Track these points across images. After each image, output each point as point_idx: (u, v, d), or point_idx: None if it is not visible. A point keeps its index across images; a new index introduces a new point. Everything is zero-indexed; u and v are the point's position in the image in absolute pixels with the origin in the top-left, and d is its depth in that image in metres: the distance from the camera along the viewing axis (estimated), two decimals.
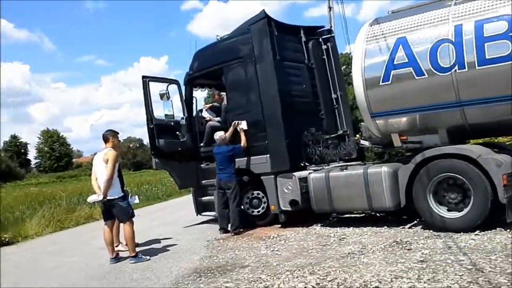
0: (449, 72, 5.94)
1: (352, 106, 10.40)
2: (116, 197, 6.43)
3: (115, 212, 6.49)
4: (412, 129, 6.56)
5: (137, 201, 7.51)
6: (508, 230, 5.50)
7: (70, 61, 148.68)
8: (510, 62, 5.53)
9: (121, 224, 6.77)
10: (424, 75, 6.13)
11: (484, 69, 5.72)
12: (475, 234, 5.53)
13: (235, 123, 7.94)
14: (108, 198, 6.34)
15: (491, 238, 5.28)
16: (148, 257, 6.49)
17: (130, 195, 7.27)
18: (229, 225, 7.69)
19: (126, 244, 6.64)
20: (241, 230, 7.57)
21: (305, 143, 7.81)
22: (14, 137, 71.27)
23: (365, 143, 7.57)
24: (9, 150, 67.36)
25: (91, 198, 6.71)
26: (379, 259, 4.97)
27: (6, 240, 9.63)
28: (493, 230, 5.59)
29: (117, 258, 6.57)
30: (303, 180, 7.24)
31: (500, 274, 3.99)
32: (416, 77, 6.19)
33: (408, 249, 5.24)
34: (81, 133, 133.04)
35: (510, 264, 4.23)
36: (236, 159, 7.85)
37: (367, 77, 6.59)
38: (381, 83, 6.47)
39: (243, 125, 7.85)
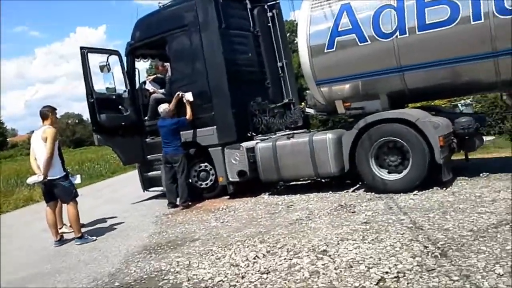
0: (391, 38, 6.08)
1: (297, 75, 10.46)
2: (58, 176, 6.13)
3: (57, 192, 6.21)
4: (355, 96, 6.71)
5: (78, 180, 7.19)
6: (444, 188, 5.84)
7: (2, 33, 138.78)
8: (449, 26, 5.73)
9: (64, 205, 6.50)
10: (367, 41, 6.24)
11: (424, 34, 5.91)
12: (414, 194, 5.82)
13: (178, 94, 7.75)
14: (49, 178, 6.03)
15: (429, 197, 5.57)
16: (94, 238, 6.31)
17: (71, 174, 6.96)
18: (178, 199, 7.61)
19: (71, 226, 6.40)
20: (190, 203, 7.52)
21: (252, 113, 7.79)
22: None
23: (310, 111, 7.67)
24: None
25: (30, 179, 6.37)
26: (326, 223, 5.13)
27: None
28: (430, 189, 5.90)
29: (61, 241, 6.34)
30: (251, 150, 7.26)
31: (438, 230, 4.23)
32: (360, 44, 6.29)
33: (352, 212, 5.44)
34: (15, 110, 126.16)
35: (446, 221, 4.49)
36: (182, 132, 7.71)
37: (312, 44, 6.62)
38: (326, 50, 6.52)
39: (189, 96, 7.67)
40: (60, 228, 6.78)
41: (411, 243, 3.97)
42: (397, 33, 6.05)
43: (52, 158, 6.03)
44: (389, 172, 6.27)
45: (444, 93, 7.11)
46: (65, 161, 7.39)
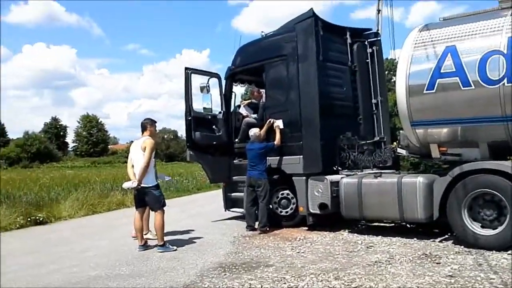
0: (497, 85, 5.72)
1: (391, 113, 10.20)
2: (151, 185, 6.56)
3: (148, 200, 6.62)
4: (452, 141, 6.37)
5: (168, 178, 7.57)
6: None
7: (115, 48, 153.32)
8: None
9: (152, 213, 6.89)
10: (471, 86, 5.93)
11: None
12: (508, 254, 5.34)
13: (270, 121, 7.95)
14: (142, 185, 6.47)
15: None
16: (175, 248, 6.58)
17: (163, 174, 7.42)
18: (257, 223, 7.70)
19: (156, 234, 6.76)
20: (268, 229, 7.57)
21: (340, 147, 7.73)
22: (54, 119, 73.93)
23: (402, 151, 7.40)
24: (49, 132, 69.83)
25: (126, 184, 6.84)
26: (407, 270, 4.88)
27: (40, 219, 9.98)
28: None
29: (145, 246, 6.70)
30: (335, 184, 7.17)
31: None
32: (462, 88, 5.99)
33: (437, 263, 5.12)
34: (119, 120, 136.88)
35: None
36: (269, 157, 7.85)
37: (411, 84, 6.44)
38: (425, 91, 6.30)
39: (279, 123, 7.84)
40: (145, 234, 7.18)
41: None
42: (505, 80, 5.68)
43: (148, 167, 6.47)
44: (482, 227, 5.81)
45: None
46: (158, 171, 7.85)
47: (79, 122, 74.97)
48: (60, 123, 74.14)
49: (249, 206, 7.84)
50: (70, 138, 75.24)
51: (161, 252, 6.42)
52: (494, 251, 5.46)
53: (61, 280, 5.25)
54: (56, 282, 5.14)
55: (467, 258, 5.30)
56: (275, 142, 7.77)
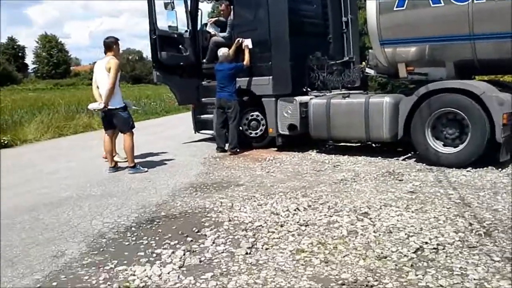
0: (466, 2, 5.69)
1: (361, 32, 10.08)
2: (118, 107, 6.43)
3: (116, 122, 6.51)
4: (419, 60, 6.42)
5: (134, 106, 7.46)
6: (500, 169, 5.61)
7: None
8: None
9: (120, 135, 6.82)
10: (440, 3, 5.89)
11: (503, 1, 5.47)
12: (467, 171, 5.63)
13: (238, 40, 7.72)
14: (109, 107, 6.32)
15: (482, 176, 5.39)
16: (146, 169, 6.62)
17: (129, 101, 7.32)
18: (227, 144, 7.77)
19: (125, 156, 6.74)
20: (238, 150, 7.67)
21: (310, 68, 7.67)
22: (11, 40, 69.58)
23: (370, 71, 7.45)
24: (6, 53, 66.03)
25: (92, 106, 6.68)
26: (371, 187, 5.10)
27: (5, 142, 9.77)
28: (485, 168, 5.69)
29: (115, 168, 6.70)
30: (304, 105, 7.22)
31: (486, 209, 4.12)
32: (432, 5, 5.95)
33: (399, 180, 5.37)
34: (80, 40, 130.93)
35: (496, 201, 4.35)
36: (238, 79, 7.74)
37: (381, 0, 6.32)
38: (395, 9, 6.23)
39: (248, 42, 7.62)
40: (114, 156, 7.15)
41: (456, 218, 3.90)
42: None
43: (114, 88, 6.29)
44: (444, 145, 6.05)
45: None
46: (123, 95, 7.66)
47: (37, 42, 70.88)
48: (17, 44, 70.01)
49: (219, 128, 7.84)
50: (29, 60, 71.62)
51: (132, 173, 6.45)
52: (454, 169, 5.73)
53: (32, 201, 5.25)
54: (26, 204, 5.13)
55: (428, 175, 5.56)
56: (244, 63, 7.61)
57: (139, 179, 6.11)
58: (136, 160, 6.75)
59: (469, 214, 4.02)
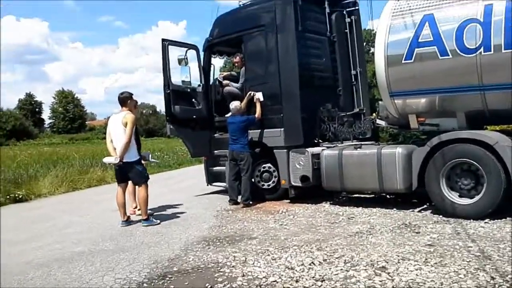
0: (474, 54, 5.77)
1: (370, 84, 10.25)
2: (133, 160, 6.51)
3: (131, 175, 6.58)
4: (430, 111, 6.45)
5: (153, 160, 7.60)
6: None
7: (89, 21, 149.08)
8: None
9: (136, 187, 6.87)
10: (448, 55, 5.97)
11: (510, 53, 5.55)
12: (485, 222, 5.49)
13: (250, 93, 7.88)
14: (124, 161, 6.40)
15: (501, 227, 5.24)
16: (158, 221, 6.61)
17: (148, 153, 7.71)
18: (239, 197, 7.74)
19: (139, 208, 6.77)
20: (251, 202, 7.62)
21: (320, 119, 7.75)
22: (29, 96, 71.90)
23: (381, 123, 7.49)
24: (24, 109, 68.08)
25: (107, 160, 6.76)
26: (387, 240, 4.99)
27: (20, 197, 9.85)
28: (503, 219, 5.54)
29: (128, 222, 6.69)
30: (316, 156, 7.22)
31: (507, 262, 3.98)
32: (440, 57, 6.04)
33: (416, 232, 5.24)
34: (95, 96, 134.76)
35: None
36: (250, 131, 7.83)
37: (389, 53, 6.45)
38: (403, 61, 6.33)
39: (259, 96, 7.78)
40: (135, 208, 7.27)
41: (477, 272, 3.77)
42: (481, 49, 5.73)
43: (130, 143, 6.39)
44: (460, 196, 5.94)
45: None
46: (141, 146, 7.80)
47: (54, 98, 73.13)
48: (35, 99, 72.19)
49: (232, 180, 7.84)
50: (46, 115, 73.58)
51: (145, 226, 6.43)
52: (471, 220, 5.60)
53: (44, 256, 5.22)
54: (38, 259, 5.11)
55: (446, 227, 5.44)
56: (256, 115, 7.73)
57: (152, 233, 6.06)
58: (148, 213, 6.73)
59: (490, 267, 3.88)
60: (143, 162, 7.04)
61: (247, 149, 7.67)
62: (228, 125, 7.88)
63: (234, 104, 7.85)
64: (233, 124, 7.74)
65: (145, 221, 6.53)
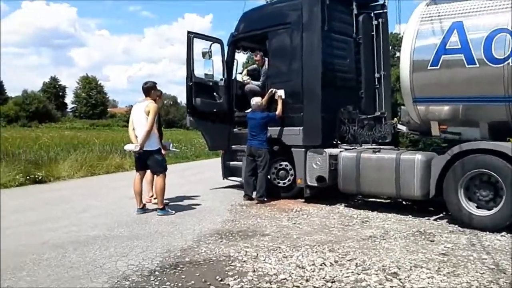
0: (502, 64, 5.66)
1: (393, 89, 10.14)
2: (154, 149, 6.60)
3: (150, 163, 6.67)
4: (453, 119, 6.36)
5: (174, 149, 7.71)
6: None
7: (116, 9, 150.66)
8: None
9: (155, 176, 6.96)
10: (475, 64, 5.86)
11: None
12: (501, 235, 5.40)
13: (271, 90, 7.89)
14: (145, 149, 6.49)
15: None
16: (173, 212, 6.71)
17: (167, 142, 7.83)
18: (254, 192, 7.77)
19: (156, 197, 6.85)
20: (265, 199, 7.64)
21: (341, 120, 7.71)
22: (54, 79, 73.14)
23: (402, 128, 7.41)
24: (48, 92, 69.30)
25: (128, 147, 6.85)
26: (400, 246, 4.95)
27: (39, 178, 10.08)
28: None
29: (143, 209, 6.79)
30: (333, 157, 7.19)
31: None
32: (467, 66, 5.93)
33: (430, 241, 5.19)
34: (118, 83, 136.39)
35: None
36: (269, 128, 7.84)
37: (415, 59, 6.37)
38: (429, 67, 6.23)
39: (281, 93, 7.77)
40: (151, 197, 7.35)
41: (490, 285, 3.73)
42: (510, 60, 5.61)
43: (151, 131, 6.48)
44: (477, 207, 5.86)
45: None
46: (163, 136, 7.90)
47: (78, 83, 74.26)
48: (59, 83, 73.39)
49: (248, 176, 7.87)
50: (69, 99, 74.75)
51: (160, 215, 6.53)
52: (487, 232, 5.52)
53: (59, 238, 5.34)
54: (53, 240, 5.23)
55: (461, 237, 5.37)
56: (277, 112, 7.72)
57: (166, 223, 6.14)
58: (164, 203, 6.81)
59: (504, 281, 3.83)
60: (163, 151, 7.12)
61: (266, 146, 7.68)
62: (248, 120, 7.90)
63: (255, 100, 7.87)
64: (253, 120, 7.76)
65: (161, 211, 6.63)
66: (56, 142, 16.25)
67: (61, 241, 5.21)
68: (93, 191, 9.12)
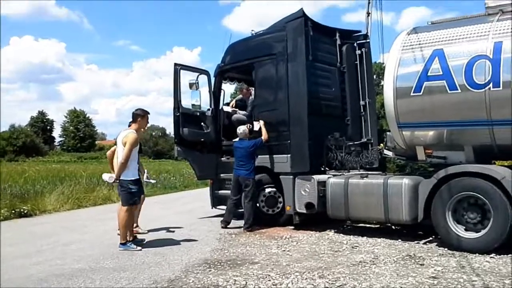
0: (483, 90, 5.80)
1: (379, 115, 10.29)
2: (129, 179, 6.30)
3: (121, 191, 6.35)
4: (438, 144, 6.45)
5: (152, 181, 7.58)
6: None
7: (105, 44, 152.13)
8: None
9: (142, 207, 6.78)
10: (457, 89, 6.00)
11: None
12: (491, 257, 5.41)
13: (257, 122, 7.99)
14: (121, 179, 6.28)
15: (507, 263, 5.16)
16: (139, 248, 6.32)
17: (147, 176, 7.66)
18: (238, 222, 7.71)
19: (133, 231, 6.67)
20: (252, 230, 7.56)
21: (328, 147, 7.77)
22: (41, 113, 72.95)
23: (389, 153, 7.48)
24: (35, 126, 68.95)
25: (104, 176, 6.64)
26: (391, 270, 4.92)
27: (25, 212, 9.89)
28: (510, 255, 5.44)
29: (133, 241, 6.61)
30: (322, 184, 7.20)
31: None
32: (449, 91, 6.06)
33: (420, 264, 5.17)
34: (107, 116, 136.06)
35: None
36: (257, 156, 7.87)
37: (398, 86, 6.50)
38: (412, 94, 6.36)
39: (256, 126, 7.95)
40: (135, 228, 7.14)
41: None
42: (490, 85, 5.76)
43: (127, 163, 6.19)
44: (466, 229, 5.87)
45: None
46: (144, 169, 7.82)
47: (66, 117, 74.17)
48: (47, 117, 73.26)
49: (232, 204, 7.88)
50: (57, 133, 74.45)
51: (121, 250, 6.21)
52: (477, 254, 5.52)
53: (44, 271, 5.21)
54: (38, 274, 5.09)
55: (450, 260, 5.36)
56: (263, 137, 7.77)
57: (153, 253, 6.03)
58: (151, 233, 6.69)
59: None
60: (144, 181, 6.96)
61: (253, 175, 7.68)
62: (234, 149, 7.91)
63: (242, 129, 7.91)
64: (241, 149, 7.77)
65: (122, 245, 6.28)
66: (42, 175, 16.03)
67: (45, 274, 5.08)
68: (79, 224, 8.95)
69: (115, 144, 6.74)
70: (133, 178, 6.36)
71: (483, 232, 5.70)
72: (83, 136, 71.17)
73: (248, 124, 8.09)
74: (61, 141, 74.22)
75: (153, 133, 72.38)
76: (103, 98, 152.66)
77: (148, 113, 6.74)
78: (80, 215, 10.40)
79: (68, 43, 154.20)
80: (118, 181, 6.30)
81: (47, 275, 5.06)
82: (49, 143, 70.03)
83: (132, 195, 6.37)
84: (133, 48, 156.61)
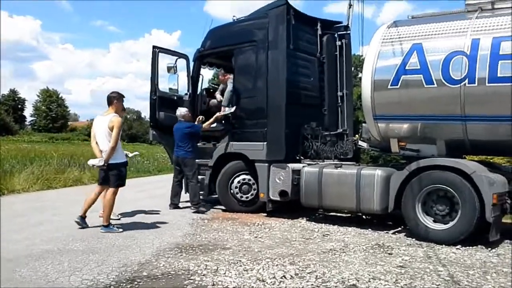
0: (458, 85, 5.91)
1: (355, 107, 10.39)
2: (119, 161, 6.34)
3: (111, 174, 6.30)
4: (411, 137, 6.56)
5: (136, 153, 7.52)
6: (489, 248, 5.55)
7: (82, 24, 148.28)
8: None
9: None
10: (433, 84, 6.10)
11: (493, 86, 5.70)
12: (457, 248, 5.57)
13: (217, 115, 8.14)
14: (111, 162, 6.22)
15: (472, 254, 5.33)
16: (120, 230, 6.31)
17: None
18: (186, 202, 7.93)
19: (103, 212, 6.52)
20: (205, 209, 7.87)
21: (304, 136, 7.81)
22: (13, 92, 70.79)
23: (363, 144, 7.58)
24: (6, 104, 66.89)
25: (91, 162, 6.50)
26: (360, 259, 5.01)
27: None
28: (475, 246, 5.63)
29: (83, 219, 6.47)
30: (296, 172, 7.25)
31: None
32: (425, 85, 6.16)
33: (389, 254, 5.29)
34: (80, 97, 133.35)
35: (486, 281, 4.27)
36: (233, 142, 7.88)
37: (376, 78, 6.56)
38: (389, 87, 6.43)
39: (228, 110, 8.03)
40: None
41: None
42: (466, 81, 5.88)
43: (116, 146, 6.21)
44: (434, 221, 6.03)
45: (506, 151, 6.81)
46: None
47: (38, 96, 72.12)
48: (18, 96, 71.14)
49: (175, 185, 8.10)
50: (28, 112, 72.41)
51: (103, 232, 6.16)
52: (443, 245, 5.67)
53: (11, 251, 5.08)
54: (5, 254, 4.95)
55: (418, 250, 5.49)
56: (204, 125, 7.94)
57: (124, 237, 5.96)
58: (124, 218, 6.60)
59: None
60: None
61: (191, 155, 7.84)
62: (174, 131, 8.01)
63: (180, 111, 7.99)
64: (178, 131, 7.92)
65: (104, 228, 6.24)
66: (12, 154, 15.63)
67: (12, 255, 4.95)
68: (48, 205, 8.78)
69: (87, 128, 6.61)
70: (123, 161, 6.45)
71: (451, 224, 5.85)
72: (55, 116, 69.37)
73: (201, 117, 8.20)
74: (32, 120, 72.27)
75: (128, 116, 71.24)
76: (77, 79, 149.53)
77: (123, 96, 6.65)
78: (49, 196, 10.19)
79: (44, 21, 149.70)
80: (105, 166, 6.20)
81: (13, 255, 4.93)
82: (19, 122, 68.07)
83: (123, 178, 6.43)
84: (111, 28, 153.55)
